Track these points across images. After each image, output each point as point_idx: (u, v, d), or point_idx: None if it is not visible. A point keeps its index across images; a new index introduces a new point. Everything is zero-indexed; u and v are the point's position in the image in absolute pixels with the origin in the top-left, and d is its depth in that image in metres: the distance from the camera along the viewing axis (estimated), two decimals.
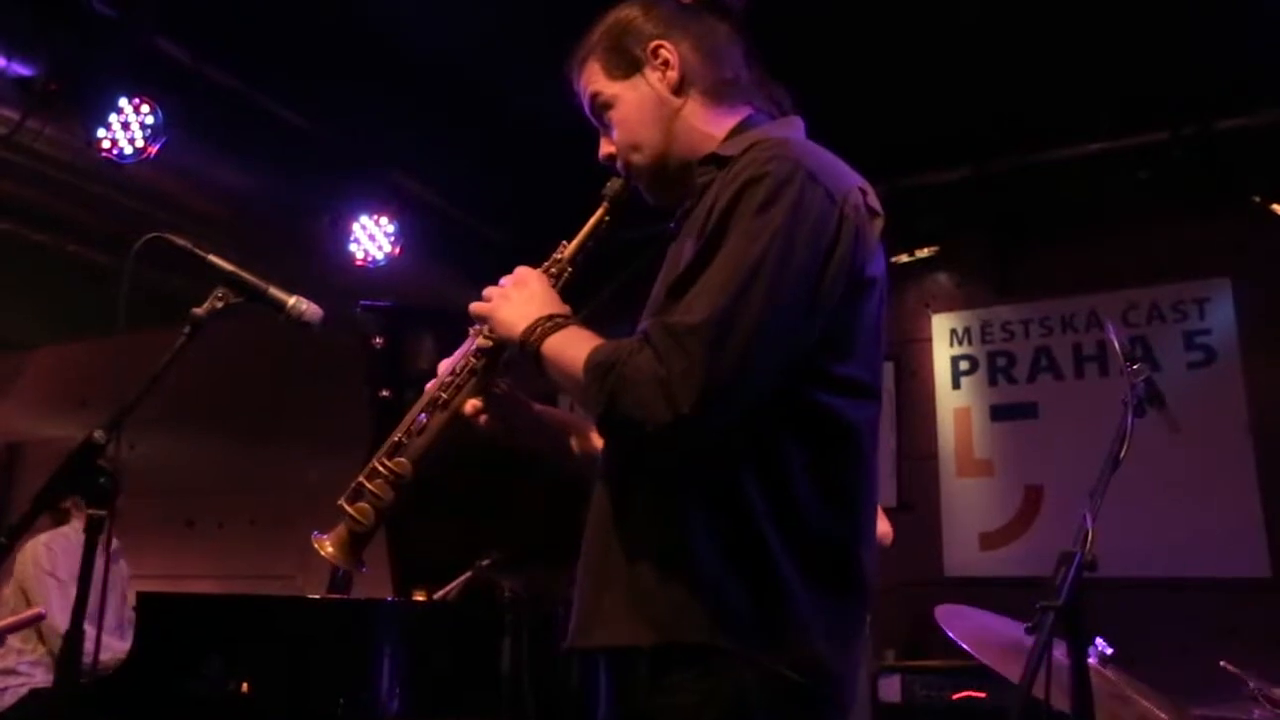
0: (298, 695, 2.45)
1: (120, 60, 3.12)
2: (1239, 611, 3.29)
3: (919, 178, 3.89)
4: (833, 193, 1.15)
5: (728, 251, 1.10)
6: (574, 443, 1.42)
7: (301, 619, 2.65)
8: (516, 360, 1.29)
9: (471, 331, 1.34)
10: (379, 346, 3.06)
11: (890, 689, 3.35)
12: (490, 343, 1.32)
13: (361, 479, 1.30)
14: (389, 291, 3.79)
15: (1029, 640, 2.15)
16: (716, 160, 1.25)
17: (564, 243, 1.36)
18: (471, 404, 1.33)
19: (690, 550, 1.11)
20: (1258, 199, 3.47)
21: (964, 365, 4.08)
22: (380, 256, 3.83)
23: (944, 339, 4.14)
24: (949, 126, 3.69)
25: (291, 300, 1.48)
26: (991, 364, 4.03)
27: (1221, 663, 2.33)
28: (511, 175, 3.92)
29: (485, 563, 2.92)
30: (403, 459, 1.31)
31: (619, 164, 1.34)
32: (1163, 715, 1.98)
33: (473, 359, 1.33)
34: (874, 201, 1.22)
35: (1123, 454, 1.60)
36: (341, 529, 1.30)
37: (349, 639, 2.58)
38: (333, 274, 3.86)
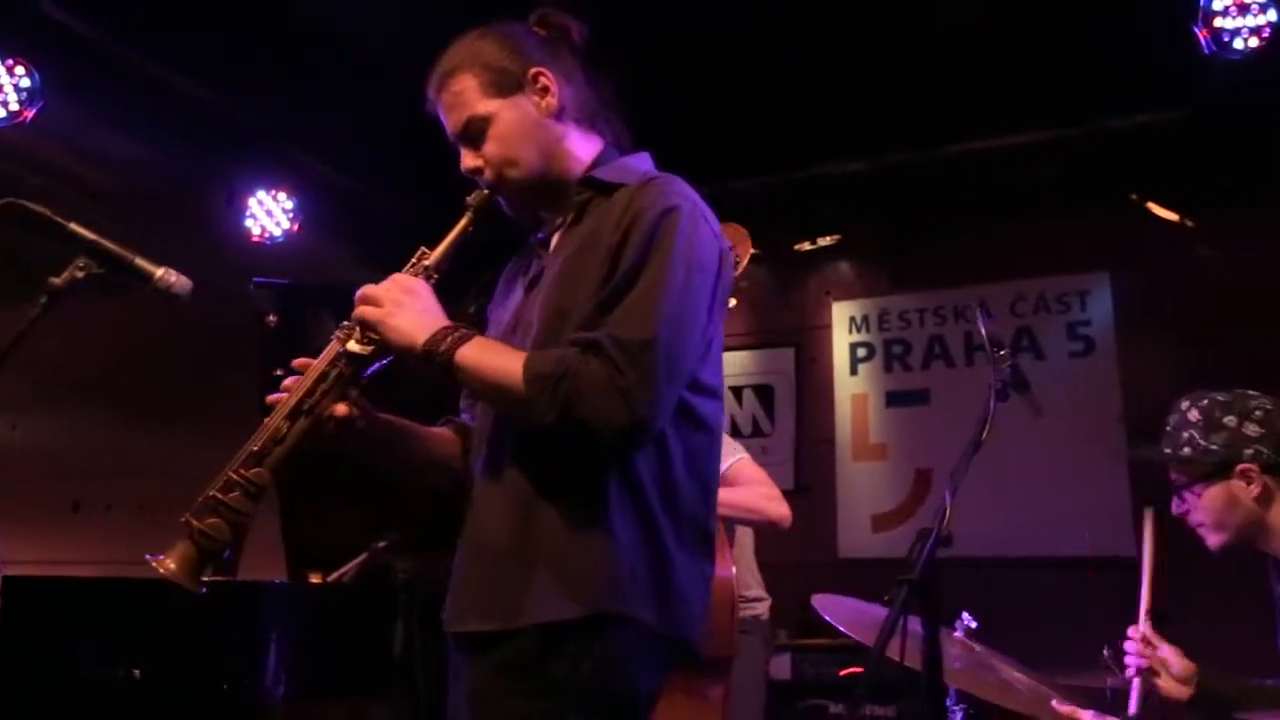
0: (178, 680, 2.40)
1: None
2: (1105, 587, 3.46)
3: (822, 169, 3.98)
4: (717, 233, 1.35)
5: (656, 277, 1.26)
6: (422, 447, 1.47)
7: (182, 602, 2.58)
8: (397, 369, 1.32)
9: (338, 336, 1.33)
10: (273, 325, 2.99)
11: (781, 667, 3.44)
12: (366, 350, 1.32)
13: (214, 492, 1.27)
14: (287, 269, 3.71)
15: (913, 624, 2.24)
16: (595, 184, 1.40)
17: (424, 249, 1.39)
18: (340, 409, 1.33)
19: (610, 531, 1.25)
20: (1135, 197, 3.65)
21: (861, 352, 4.20)
22: (278, 233, 3.75)
23: (843, 326, 4.25)
24: (851, 122, 3.78)
25: (159, 272, 1.42)
26: (888, 351, 4.16)
27: (1107, 650, 2.47)
28: (414, 154, 3.86)
29: (381, 545, 2.90)
30: (261, 469, 1.28)
31: (487, 176, 1.41)
32: (1023, 681, 2.09)
33: (341, 365, 1.32)
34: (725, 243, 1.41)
35: (984, 436, 1.65)
36: (187, 546, 1.25)
37: (233, 622, 2.53)
38: (228, 250, 3.76)
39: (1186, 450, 1.96)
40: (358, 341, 1.31)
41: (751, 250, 2.89)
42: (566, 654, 1.22)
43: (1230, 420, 1.91)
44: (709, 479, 1.36)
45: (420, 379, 1.31)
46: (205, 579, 1.27)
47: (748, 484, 2.62)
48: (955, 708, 2.25)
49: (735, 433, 4.25)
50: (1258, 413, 1.89)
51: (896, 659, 1.61)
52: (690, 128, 3.68)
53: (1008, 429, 4.07)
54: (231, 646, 2.49)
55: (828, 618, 2.12)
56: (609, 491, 1.26)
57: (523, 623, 1.24)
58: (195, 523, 1.25)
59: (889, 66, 3.45)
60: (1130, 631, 2.06)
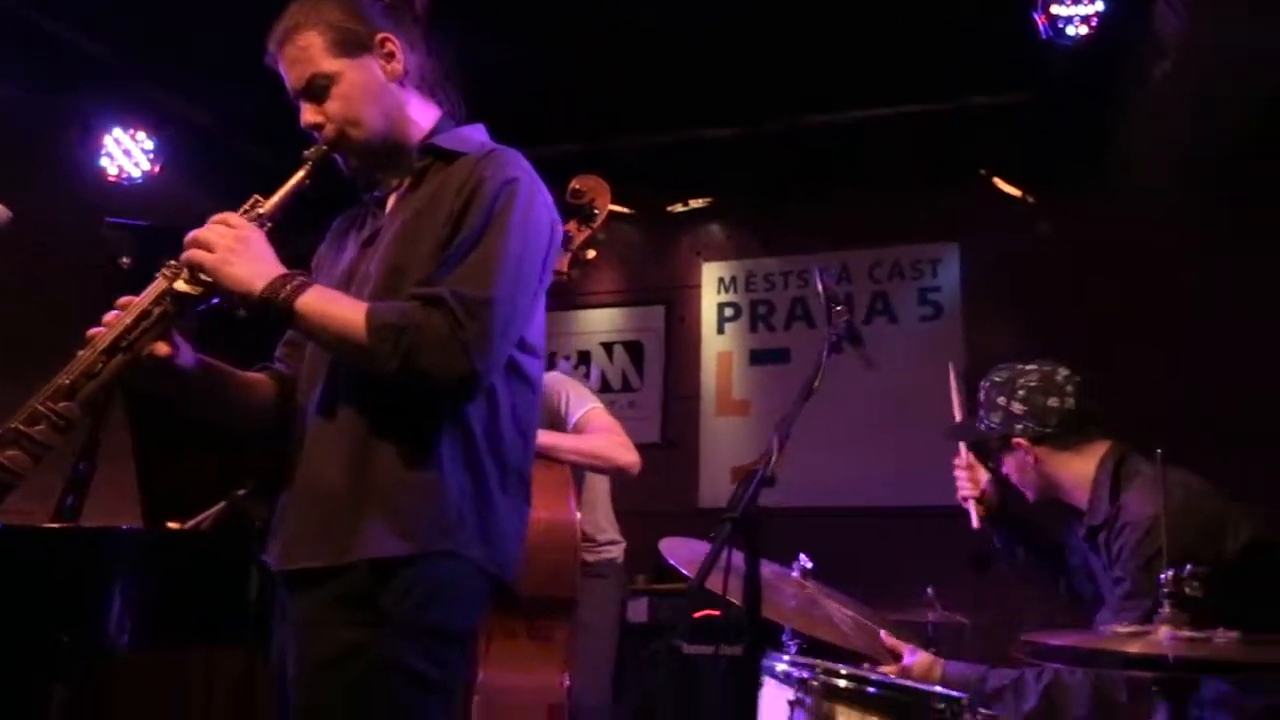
0: (13, 630, 2.34)
1: None
2: (938, 534, 3.70)
3: (695, 133, 4.08)
4: (549, 205, 1.45)
5: (496, 242, 1.34)
6: (241, 393, 1.49)
7: (19, 549, 2.51)
8: (219, 312, 1.35)
9: (163, 274, 1.34)
10: (126, 267, 2.92)
11: (638, 611, 3.60)
12: (195, 291, 1.32)
13: (18, 424, 1.25)
14: (146, 211, 3.59)
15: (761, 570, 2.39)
16: (436, 151, 1.47)
17: (258, 197, 1.42)
18: (160, 348, 1.33)
19: (441, 474, 1.32)
20: (983, 172, 3.88)
21: (729, 312, 4.35)
22: (137, 174, 3.63)
23: (712, 286, 4.39)
24: (725, 88, 3.87)
25: None
26: (753, 311, 4.32)
27: (930, 589, 2.69)
28: (281, 97, 3.76)
29: (241, 493, 2.90)
30: (71, 404, 1.27)
31: (327, 132, 1.45)
32: (850, 615, 2.27)
33: (166, 304, 1.32)
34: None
35: (816, 385, 1.76)
36: None
37: (73, 571, 2.48)
38: (83, 190, 3.62)
39: (981, 427, 2.25)
40: (185, 282, 1.32)
41: (614, 206, 2.98)
42: (396, 587, 1.29)
43: (1001, 400, 2.19)
44: (529, 430, 1.47)
45: (237, 326, 1.35)
46: None
47: (599, 432, 2.72)
48: (790, 642, 2.40)
49: (605, 388, 4.36)
50: (1020, 392, 2.16)
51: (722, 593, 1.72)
52: (568, 90, 3.72)
53: (860, 387, 4.32)
54: (72, 596, 2.44)
55: (671, 560, 2.20)
56: (441, 437, 1.34)
57: (354, 558, 1.30)
58: None
59: (760, 37, 3.55)
60: (956, 461, 2.34)
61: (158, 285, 1.33)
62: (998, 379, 2.23)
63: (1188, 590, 1.62)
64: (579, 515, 2.40)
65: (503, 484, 1.40)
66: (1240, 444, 3.37)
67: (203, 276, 1.31)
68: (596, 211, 2.82)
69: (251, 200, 1.41)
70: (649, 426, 4.25)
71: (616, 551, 2.95)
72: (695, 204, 4.29)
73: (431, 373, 1.28)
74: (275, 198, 1.42)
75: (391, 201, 1.50)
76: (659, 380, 4.30)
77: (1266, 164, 3.45)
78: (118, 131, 3.59)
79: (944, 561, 3.02)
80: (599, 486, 2.96)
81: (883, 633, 2.36)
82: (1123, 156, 3.58)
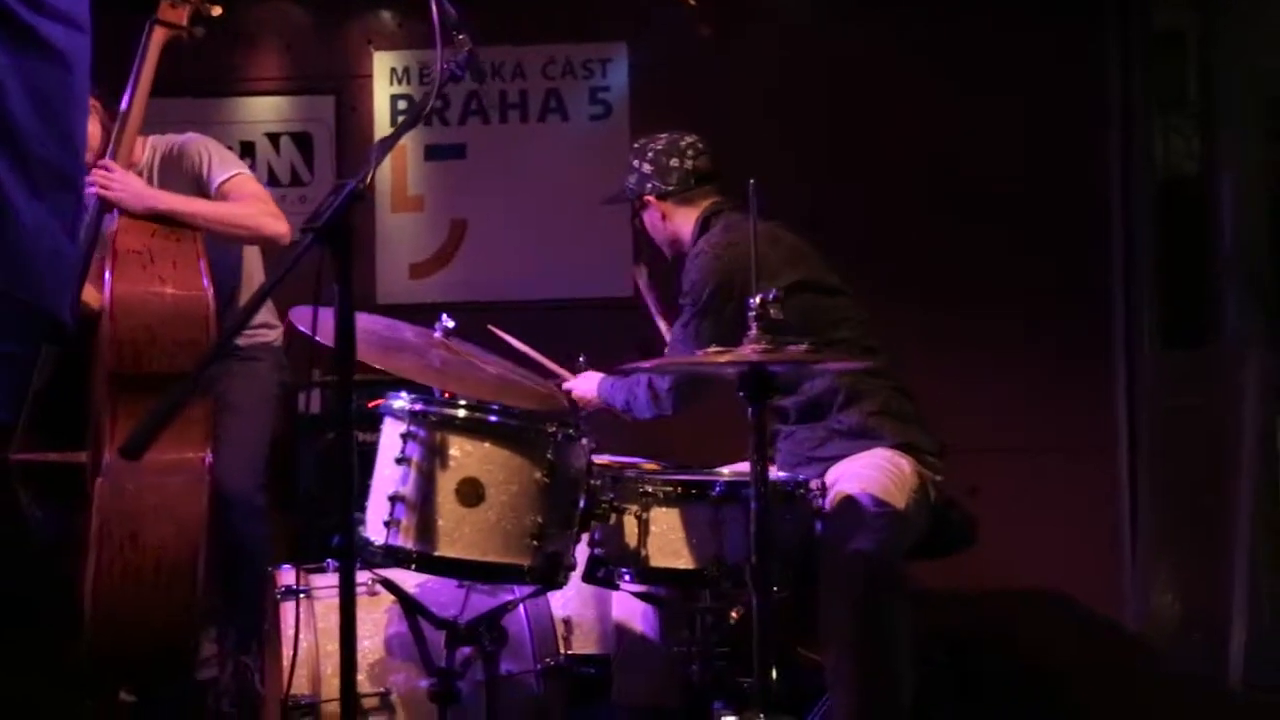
0: None
1: None
2: (607, 323, 3.97)
3: None
4: None
5: None
6: None
7: None
8: None
9: None
10: None
11: (312, 402, 3.59)
12: None
13: None
14: None
15: (403, 333, 2.44)
16: None
17: None
18: None
19: None
20: None
21: (402, 105, 4.21)
22: None
23: (385, 77, 4.21)
24: None
25: None
26: None
27: (583, 357, 2.89)
28: None
29: None
30: None
31: None
32: (491, 371, 2.42)
33: None
34: None
35: (428, 108, 1.79)
36: None
37: None
38: None
39: (623, 189, 2.53)
40: None
41: None
42: None
43: (635, 163, 2.52)
44: (67, 124, 1.16)
45: None
46: None
47: (245, 199, 2.60)
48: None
49: (274, 182, 4.12)
50: (649, 154, 2.51)
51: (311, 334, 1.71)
52: None
53: (537, 184, 4.40)
54: None
55: (300, 327, 2.02)
56: None
57: None
58: None
59: None
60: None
61: None
62: (635, 146, 2.55)
63: (772, 313, 1.91)
64: (212, 291, 2.28)
65: (22, 179, 1.09)
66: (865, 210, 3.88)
67: None
68: None
69: None
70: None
71: (272, 336, 2.87)
72: None
73: None
74: None
75: None
76: (329, 174, 4.12)
77: None
78: None
79: (610, 350, 3.16)
80: (252, 267, 2.84)
81: (546, 362, 2.62)
82: None
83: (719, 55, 4.10)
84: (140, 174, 2.62)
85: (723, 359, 1.87)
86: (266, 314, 2.87)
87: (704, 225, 2.41)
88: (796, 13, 4.15)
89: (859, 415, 2.18)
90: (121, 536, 1.83)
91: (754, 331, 1.87)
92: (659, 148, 2.46)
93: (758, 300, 1.86)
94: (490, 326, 2.63)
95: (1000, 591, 3.55)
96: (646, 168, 2.45)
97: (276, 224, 2.59)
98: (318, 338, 2.05)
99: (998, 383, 3.90)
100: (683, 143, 2.46)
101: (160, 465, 1.96)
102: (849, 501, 2.03)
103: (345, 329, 1.55)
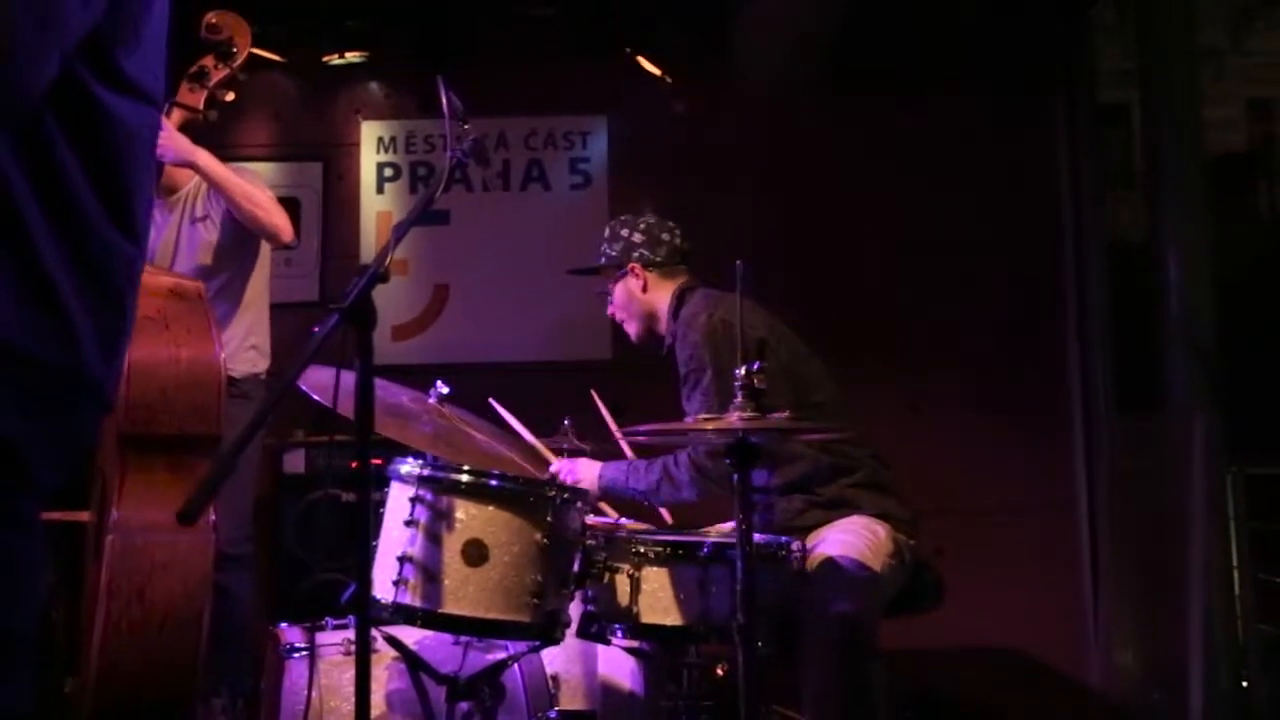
0: None
1: None
2: (586, 386, 4.06)
3: None
4: None
5: None
6: None
7: None
8: None
9: None
10: None
11: (295, 462, 3.64)
12: None
13: None
14: None
15: (399, 397, 2.52)
16: None
17: None
18: None
19: None
20: (629, 50, 4.16)
21: (389, 172, 4.35)
22: None
23: (371, 145, 4.35)
24: None
25: None
26: (413, 173, 4.36)
27: (567, 420, 2.98)
28: None
29: None
30: None
31: None
32: (481, 438, 2.51)
33: None
34: None
35: (438, 194, 1.86)
36: None
37: None
38: None
39: (600, 259, 2.65)
40: None
41: (256, 48, 2.89)
42: None
43: (624, 232, 2.67)
44: (124, 197, 1.15)
45: None
46: None
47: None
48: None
49: None
50: (641, 226, 2.66)
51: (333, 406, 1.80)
52: None
53: (519, 250, 4.53)
54: None
55: (303, 386, 2.08)
56: None
57: None
58: None
59: None
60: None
61: None
62: (623, 218, 2.71)
63: (756, 383, 2.04)
64: (223, 355, 2.35)
65: (70, 259, 1.09)
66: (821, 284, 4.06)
67: None
68: (235, 50, 2.75)
69: None
70: (307, 285, 4.19)
71: (262, 366, 2.96)
72: (351, 57, 4.19)
73: None
74: None
75: None
76: (316, 239, 4.23)
77: (861, 46, 4.04)
78: None
79: (589, 408, 3.25)
80: (259, 287, 2.99)
81: (536, 443, 2.69)
82: (740, 41, 4.03)
83: (692, 129, 4.29)
84: (185, 197, 2.87)
85: (710, 426, 1.99)
86: (260, 338, 2.97)
87: (679, 299, 2.56)
88: (766, 90, 4.36)
89: (838, 488, 2.30)
90: (130, 592, 1.88)
91: (740, 399, 2.00)
92: (651, 221, 2.63)
93: (743, 371, 1.99)
94: (491, 401, 2.69)
95: (966, 649, 3.67)
96: (637, 237, 2.60)
97: (285, 220, 2.82)
98: (315, 396, 2.21)
99: (962, 447, 4.06)
100: (669, 222, 2.65)
101: (169, 524, 2.00)
102: (830, 564, 2.14)
103: (365, 400, 1.63)
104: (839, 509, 2.29)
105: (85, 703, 1.85)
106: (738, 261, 2.04)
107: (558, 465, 2.62)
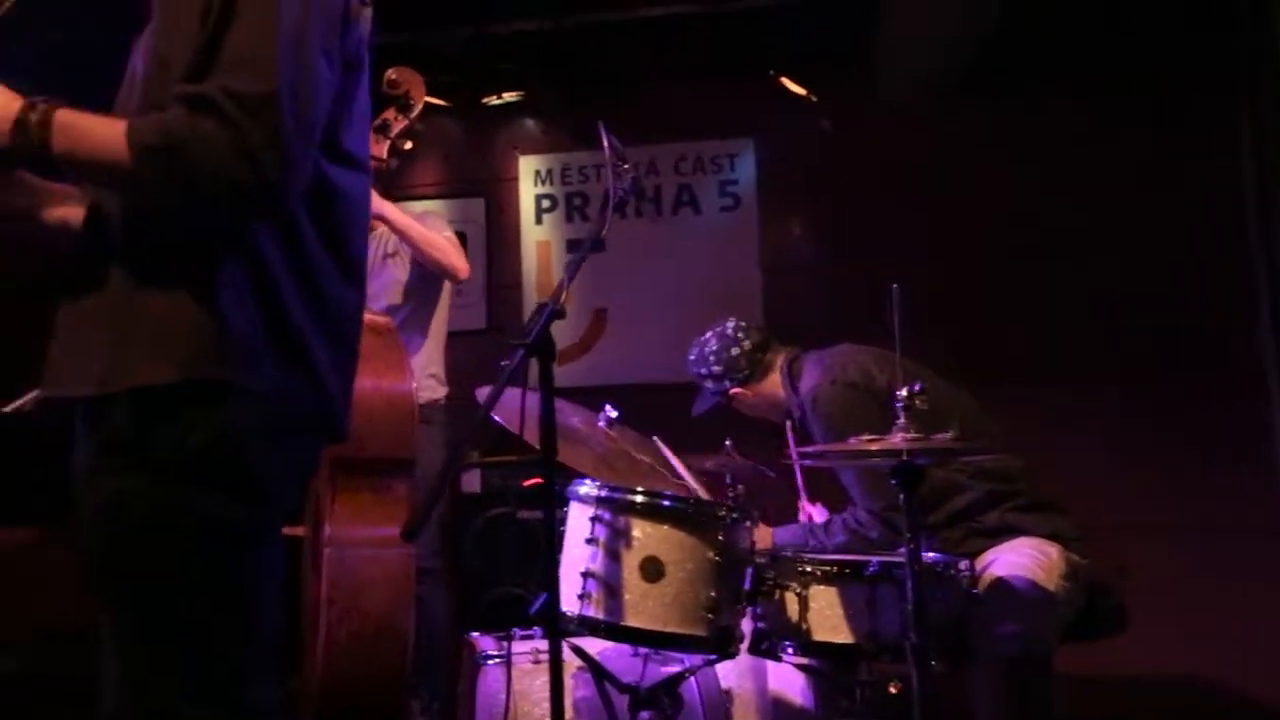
0: None
1: None
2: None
3: (505, 25, 4.21)
4: None
5: (261, 15, 1.11)
6: (35, 202, 1.33)
7: None
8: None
9: None
10: None
11: (471, 481, 3.87)
12: None
13: None
14: None
15: (571, 419, 2.68)
16: None
17: None
18: None
19: (222, 300, 1.17)
20: (772, 72, 4.23)
21: (546, 203, 4.57)
22: None
23: (529, 179, 4.58)
24: None
25: None
26: (569, 203, 4.57)
27: (729, 441, 3.07)
28: None
29: None
30: None
31: None
32: (645, 460, 2.62)
33: None
34: None
35: (603, 234, 1.99)
36: None
37: None
38: None
39: (709, 399, 2.78)
40: None
41: (431, 98, 3.13)
42: (167, 425, 1.15)
43: (703, 371, 2.73)
44: (351, 257, 1.32)
45: None
46: None
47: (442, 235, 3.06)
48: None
49: None
50: (710, 358, 2.70)
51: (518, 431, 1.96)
52: None
53: (671, 272, 4.65)
54: None
55: (500, 419, 2.37)
56: (225, 265, 1.17)
57: (114, 387, 1.16)
58: None
59: None
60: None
61: None
62: (692, 358, 2.79)
63: (917, 404, 2.07)
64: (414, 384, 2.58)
65: (313, 316, 1.25)
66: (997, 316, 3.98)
67: None
68: (413, 102, 2.99)
69: None
70: (475, 314, 4.46)
71: (441, 393, 3.20)
72: (509, 97, 4.43)
73: (215, 195, 1.10)
74: None
75: None
76: (482, 270, 4.49)
77: (1013, 64, 3.97)
78: None
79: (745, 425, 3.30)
80: (440, 320, 3.24)
81: (693, 484, 2.75)
82: (884, 58, 4.03)
83: (838, 146, 4.31)
84: (381, 235, 3.15)
85: (873, 447, 2.03)
86: (439, 367, 3.20)
87: (789, 374, 2.61)
88: (913, 102, 4.32)
89: (999, 514, 2.29)
90: (346, 603, 2.08)
91: (902, 420, 2.03)
92: (715, 348, 2.70)
93: (904, 392, 2.02)
94: (655, 439, 2.76)
95: (1154, 677, 3.50)
96: (715, 369, 2.69)
97: (462, 260, 3.07)
98: (500, 421, 2.37)
99: (1149, 459, 3.77)
100: (729, 332, 2.70)
101: (377, 539, 2.23)
102: (1001, 584, 2.13)
103: (549, 425, 1.78)
104: (1001, 536, 2.28)
105: (310, 703, 2.07)
106: (893, 286, 2.07)
107: None
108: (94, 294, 1.20)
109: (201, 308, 1.16)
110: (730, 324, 2.72)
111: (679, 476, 2.77)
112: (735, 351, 2.66)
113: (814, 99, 4.28)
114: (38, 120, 1.14)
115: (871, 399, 2.34)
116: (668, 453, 2.80)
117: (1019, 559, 2.18)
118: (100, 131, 1.14)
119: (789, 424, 2.78)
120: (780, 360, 2.65)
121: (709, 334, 2.74)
